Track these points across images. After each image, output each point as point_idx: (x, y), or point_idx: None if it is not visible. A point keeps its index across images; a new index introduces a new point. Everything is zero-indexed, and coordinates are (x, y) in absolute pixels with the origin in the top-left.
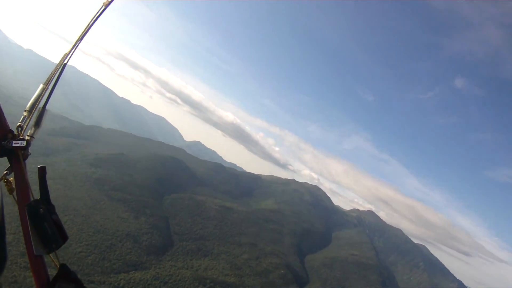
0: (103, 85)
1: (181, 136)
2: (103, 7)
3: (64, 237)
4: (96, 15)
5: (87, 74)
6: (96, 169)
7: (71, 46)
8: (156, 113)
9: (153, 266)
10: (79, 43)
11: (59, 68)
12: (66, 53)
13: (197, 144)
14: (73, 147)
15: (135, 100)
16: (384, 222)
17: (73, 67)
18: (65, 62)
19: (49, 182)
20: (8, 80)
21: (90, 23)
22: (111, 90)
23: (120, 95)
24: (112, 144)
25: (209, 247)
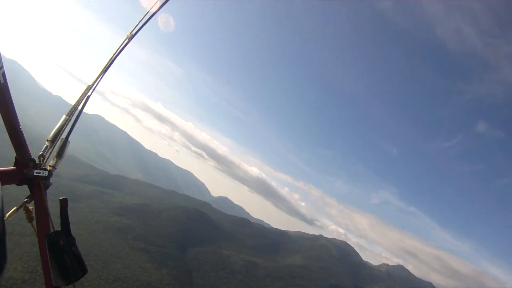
0: (131, 137)
1: (208, 191)
2: (126, 39)
3: (83, 270)
4: (119, 48)
5: (115, 125)
6: (119, 218)
7: (95, 78)
8: (183, 167)
9: None
10: (103, 75)
11: (82, 99)
12: (89, 85)
13: (224, 200)
14: (97, 195)
15: (162, 154)
16: (414, 276)
17: (101, 117)
18: (89, 94)
19: (70, 227)
20: (35, 124)
21: (114, 56)
22: (139, 142)
23: (148, 148)
24: (137, 194)
25: None
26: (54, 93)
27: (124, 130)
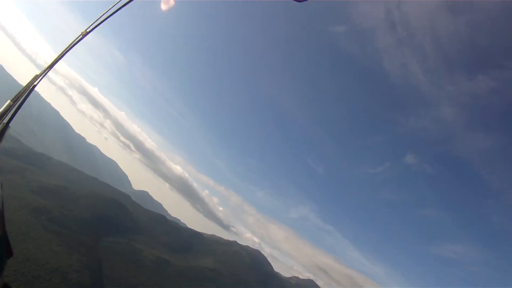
0: (62, 118)
1: (129, 184)
2: (81, 36)
3: (9, 253)
4: (72, 43)
5: (49, 103)
6: (37, 197)
7: (44, 68)
8: (109, 156)
9: None
10: (51, 67)
11: (28, 88)
12: (37, 75)
13: (144, 194)
14: (19, 171)
15: (90, 139)
16: None
17: (37, 93)
18: (35, 83)
19: None
20: None
21: (66, 50)
22: (69, 124)
23: (77, 131)
24: (59, 176)
25: None
26: None
27: (57, 109)
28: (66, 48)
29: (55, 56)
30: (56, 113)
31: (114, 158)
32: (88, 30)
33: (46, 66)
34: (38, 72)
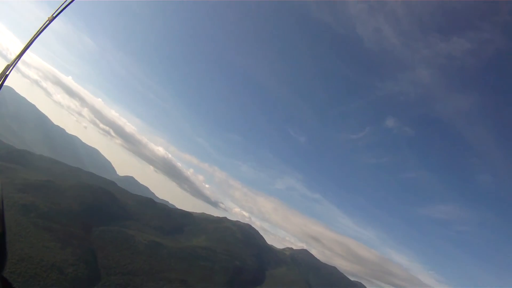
0: (39, 111)
1: (114, 170)
2: (48, 21)
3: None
4: (40, 29)
5: (24, 98)
6: (24, 195)
7: (15, 57)
8: (90, 145)
9: None
10: (22, 54)
11: (1, 79)
12: (8, 64)
13: (129, 179)
14: (2, 170)
15: (70, 130)
16: (318, 260)
17: (11, 89)
18: (7, 73)
19: None
20: None
21: (35, 36)
22: (47, 117)
23: (56, 123)
24: (42, 170)
25: (137, 282)
26: None
27: (33, 103)
28: (35, 34)
29: (24, 45)
30: (33, 107)
31: (95, 146)
32: (54, 15)
33: (17, 54)
34: (9, 62)
